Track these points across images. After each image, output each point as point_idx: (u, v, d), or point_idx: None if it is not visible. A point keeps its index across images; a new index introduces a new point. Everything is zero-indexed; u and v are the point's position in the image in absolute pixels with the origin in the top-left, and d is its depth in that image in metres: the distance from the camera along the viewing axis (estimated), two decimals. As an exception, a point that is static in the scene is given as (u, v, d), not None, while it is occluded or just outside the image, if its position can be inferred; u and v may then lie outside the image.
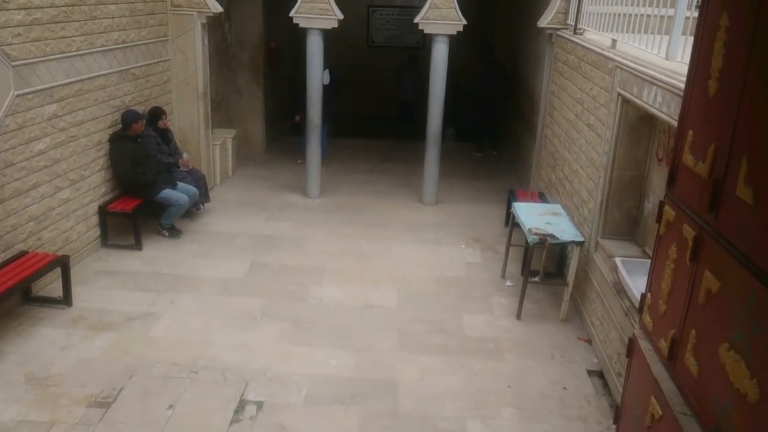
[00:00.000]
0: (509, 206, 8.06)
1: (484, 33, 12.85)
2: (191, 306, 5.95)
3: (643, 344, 2.92)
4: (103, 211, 6.94)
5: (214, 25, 9.33)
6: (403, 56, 13.30)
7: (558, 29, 8.07)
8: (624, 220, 5.77)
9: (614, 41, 5.98)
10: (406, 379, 4.99)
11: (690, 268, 2.54)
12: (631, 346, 3.08)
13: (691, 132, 2.74)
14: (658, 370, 2.72)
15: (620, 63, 5.48)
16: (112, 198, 7.15)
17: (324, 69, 8.83)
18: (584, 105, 6.62)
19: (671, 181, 2.88)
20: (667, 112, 4.35)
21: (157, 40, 7.97)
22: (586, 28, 7.23)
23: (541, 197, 7.88)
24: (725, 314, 2.28)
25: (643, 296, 3.04)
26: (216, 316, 5.80)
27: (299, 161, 10.16)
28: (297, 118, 10.12)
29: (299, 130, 9.90)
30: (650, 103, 4.69)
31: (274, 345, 5.38)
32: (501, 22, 13.11)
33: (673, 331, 2.64)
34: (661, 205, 2.94)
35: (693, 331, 2.49)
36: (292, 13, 8.33)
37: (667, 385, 2.61)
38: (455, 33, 8.40)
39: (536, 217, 6.31)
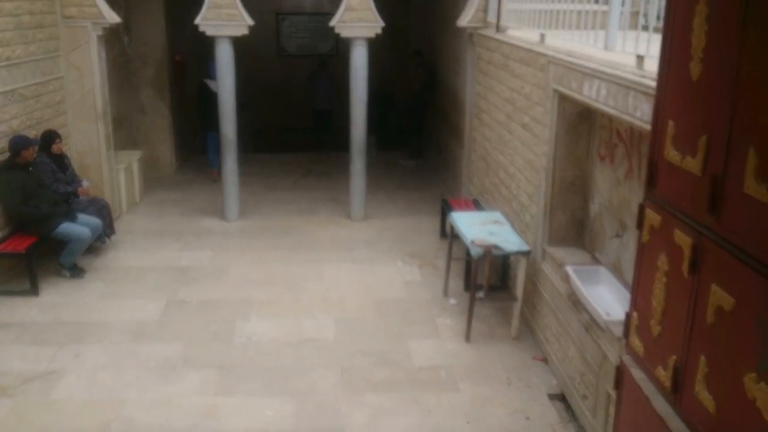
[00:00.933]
0: (443, 217, 7.76)
1: (407, 34, 12.62)
2: (99, 358, 5.17)
3: (636, 373, 2.52)
4: (-9, 254, 6.07)
5: (112, 38, 8.56)
6: (314, 64, 12.82)
7: (478, 28, 7.79)
8: (569, 225, 5.46)
9: (543, 36, 5.70)
10: (355, 424, 4.44)
11: (689, 281, 2.16)
12: (619, 375, 2.67)
13: (671, 123, 2.37)
14: (660, 405, 2.32)
15: (553, 58, 5.18)
16: (2, 237, 6.27)
17: (212, 78, 8.43)
18: (515, 105, 6.31)
19: (651, 180, 2.51)
20: (614, 105, 4.05)
21: (48, 56, 7.14)
22: (509, 25, 6.96)
23: (476, 204, 7.55)
24: (745, 336, 1.90)
25: (628, 316, 2.64)
26: (129, 368, 5.05)
27: (213, 172, 9.83)
28: (199, 125, 10.10)
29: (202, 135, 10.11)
30: (593, 98, 4.39)
31: (199, 398, 4.70)
32: (416, 22, 12.88)
33: (674, 357, 2.25)
34: (642, 208, 2.56)
35: (702, 358, 2.10)
36: (197, 21, 7.67)
37: (675, 424, 2.21)
38: (374, 35, 7.97)
39: (477, 227, 5.93)
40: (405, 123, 11.86)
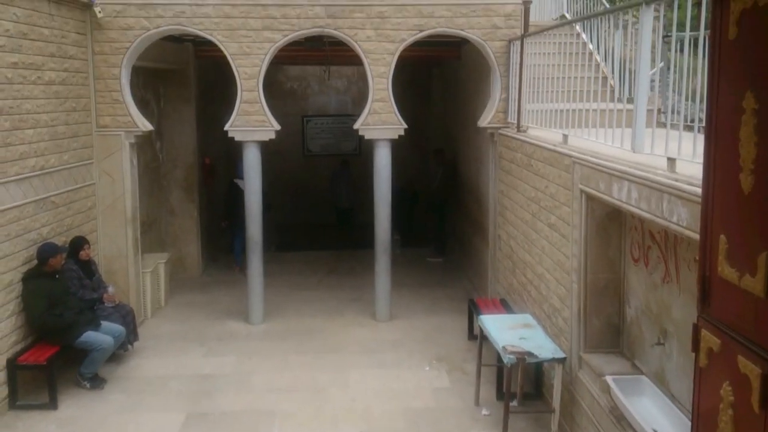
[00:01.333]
0: (471, 317, 7.58)
1: (428, 131, 12.84)
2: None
3: None
4: (13, 365, 5.94)
5: (144, 144, 8.80)
6: (336, 163, 13.04)
7: (499, 128, 7.87)
8: (605, 330, 5.24)
9: (566, 136, 5.71)
10: None
11: (762, 417, 1.97)
12: None
13: (723, 237, 2.25)
14: None
15: (579, 158, 5.16)
16: (24, 347, 6.18)
17: (240, 178, 8.70)
18: (540, 204, 6.25)
19: (704, 298, 2.36)
20: (648, 209, 3.95)
21: (81, 163, 7.32)
22: (530, 125, 7.02)
23: (504, 305, 7.35)
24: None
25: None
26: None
27: (236, 268, 10.20)
28: (224, 223, 10.65)
29: (228, 234, 10.69)
30: (624, 200, 4.30)
31: None
32: (436, 120, 13.15)
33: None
34: (696, 328, 2.40)
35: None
36: (227, 127, 7.88)
37: None
38: (396, 137, 8.10)
39: (507, 331, 5.72)
40: (428, 220, 11.88)
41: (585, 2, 8.92)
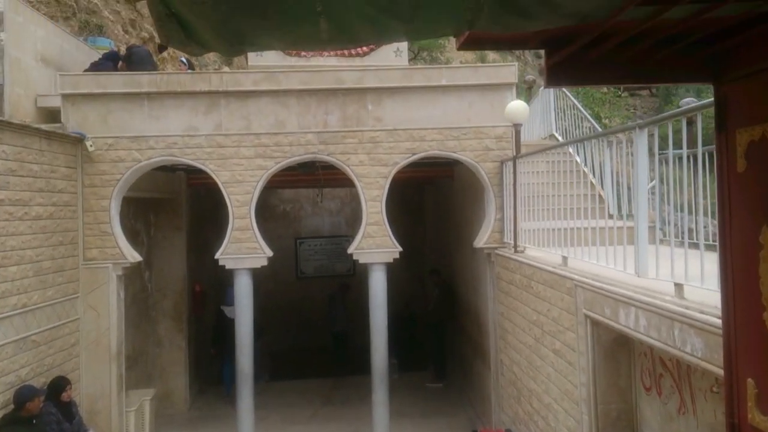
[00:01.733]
0: (476, 450, 7.14)
1: (423, 253, 12.75)
2: None
3: None
4: None
5: (132, 275, 8.62)
6: (332, 286, 12.81)
7: (496, 248, 7.77)
8: (621, 463, 4.87)
9: (565, 258, 5.59)
10: None
11: None
12: None
13: (751, 382, 2.05)
14: None
15: (580, 282, 5.00)
16: (-7, 502, 5.70)
17: (228, 305, 8.20)
18: (543, 328, 6.02)
19: (737, 452, 2.12)
20: (659, 337, 3.75)
21: (66, 298, 7.12)
22: (527, 245, 6.93)
23: (510, 435, 6.93)
24: None
25: None
26: None
27: (226, 397, 9.88)
28: (213, 350, 10.58)
29: (217, 362, 10.50)
30: (632, 327, 4.10)
31: None
32: (430, 241, 13.10)
33: None
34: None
35: None
36: (217, 255, 7.75)
37: None
38: (391, 260, 7.96)
39: (516, 466, 5.32)
40: (425, 341, 11.53)
41: (572, 120, 9.13)
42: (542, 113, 10.24)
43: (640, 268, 4.15)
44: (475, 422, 8.49)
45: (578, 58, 2.13)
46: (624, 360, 4.88)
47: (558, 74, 2.21)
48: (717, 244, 2.22)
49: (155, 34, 10.47)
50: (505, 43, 2.80)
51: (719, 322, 2.49)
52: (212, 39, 1.48)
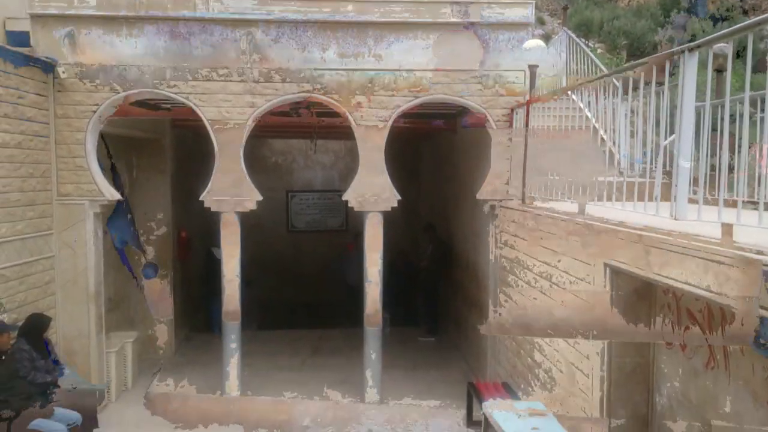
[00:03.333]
0: (470, 401, 6.84)
1: (417, 206, 12.31)
2: None
3: None
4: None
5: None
6: (324, 241, 12.40)
7: (500, 201, 7.33)
8: (632, 422, 4.59)
9: (582, 205, 5.15)
10: None
11: None
12: None
13: None
14: None
15: (604, 228, 4.55)
16: (-38, 440, 5.35)
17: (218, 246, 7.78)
18: (552, 280, 5.65)
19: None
20: (698, 284, 3.33)
21: (38, 234, 6.66)
22: (535, 196, 6.49)
23: (507, 389, 6.60)
24: None
25: None
26: None
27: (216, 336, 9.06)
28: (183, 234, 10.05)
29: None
30: (665, 275, 3.68)
31: None
32: (426, 196, 12.69)
33: None
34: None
35: None
36: (202, 196, 7.27)
37: None
38: (389, 209, 7.53)
39: (517, 421, 4.98)
40: (418, 299, 11.21)
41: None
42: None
43: (678, 211, 3.71)
44: (469, 375, 8.24)
45: None
46: (643, 313, 4.52)
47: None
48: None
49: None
50: None
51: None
52: None
